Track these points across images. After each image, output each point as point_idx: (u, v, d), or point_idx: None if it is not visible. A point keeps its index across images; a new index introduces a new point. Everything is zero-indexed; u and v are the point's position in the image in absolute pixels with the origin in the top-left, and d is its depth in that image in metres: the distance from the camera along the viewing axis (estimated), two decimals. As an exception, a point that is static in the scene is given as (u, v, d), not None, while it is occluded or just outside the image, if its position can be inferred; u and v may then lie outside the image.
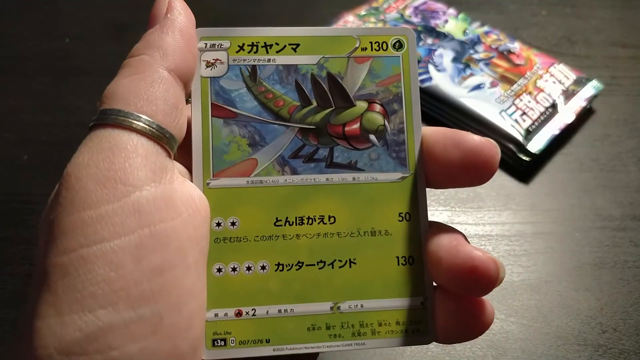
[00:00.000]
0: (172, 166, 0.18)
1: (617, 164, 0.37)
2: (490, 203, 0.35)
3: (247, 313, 0.19)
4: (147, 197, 0.16)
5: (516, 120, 0.37)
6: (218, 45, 0.20)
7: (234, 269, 0.19)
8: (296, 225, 0.19)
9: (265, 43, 0.20)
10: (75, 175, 0.16)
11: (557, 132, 0.37)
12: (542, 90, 0.38)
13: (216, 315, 0.18)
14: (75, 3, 0.48)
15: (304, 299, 0.19)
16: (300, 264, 0.19)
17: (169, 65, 0.18)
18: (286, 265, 0.19)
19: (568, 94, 0.38)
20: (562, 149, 0.38)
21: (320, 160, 0.20)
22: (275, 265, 0.19)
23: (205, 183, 0.19)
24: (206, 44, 0.20)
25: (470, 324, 0.19)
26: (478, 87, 0.38)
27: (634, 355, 0.29)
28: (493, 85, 0.38)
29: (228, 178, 0.19)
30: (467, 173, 0.19)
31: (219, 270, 0.19)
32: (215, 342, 0.18)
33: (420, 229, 0.20)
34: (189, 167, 0.19)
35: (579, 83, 0.39)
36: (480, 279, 0.18)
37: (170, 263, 0.16)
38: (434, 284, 0.20)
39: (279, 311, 0.19)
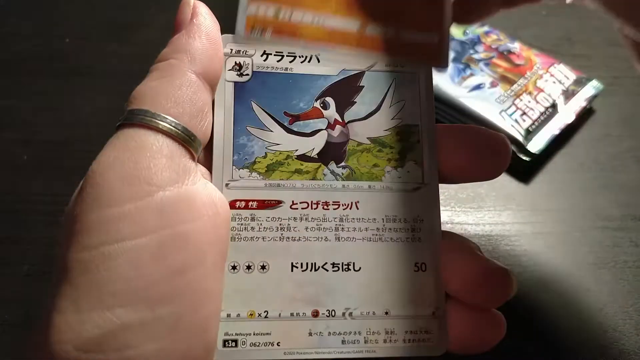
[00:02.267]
0: (195, 168, 0.18)
1: (617, 164, 0.37)
2: (490, 203, 0.35)
3: (259, 315, 0.19)
4: (169, 198, 0.16)
5: (516, 120, 0.37)
6: (243, 52, 0.20)
7: (248, 267, 0.19)
8: (312, 228, 0.19)
9: (289, 53, 0.20)
10: (100, 172, 0.16)
11: (557, 132, 0.37)
12: (542, 90, 0.38)
13: (229, 315, 0.18)
14: (76, 3, 0.48)
15: (317, 303, 0.19)
16: (315, 266, 0.19)
17: (197, 69, 0.18)
18: (300, 266, 0.19)
19: (568, 94, 0.38)
20: (562, 149, 0.38)
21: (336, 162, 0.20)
22: (290, 265, 0.19)
23: (224, 184, 0.19)
24: (232, 49, 0.20)
25: (485, 334, 0.18)
26: (478, 87, 0.38)
27: (634, 355, 0.29)
28: (493, 85, 0.38)
29: (247, 179, 0.19)
30: (479, 166, 0.19)
31: (234, 267, 0.19)
32: (227, 342, 0.18)
33: (434, 239, 0.20)
34: (210, 168, 0.19)
35: (579, 83, 0.39)
36: (496, 290, 0.18)
37: (190, 264, 0.16)
38: (447, 294, 0.19)
39: (291, 314, 0.19)
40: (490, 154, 0.19)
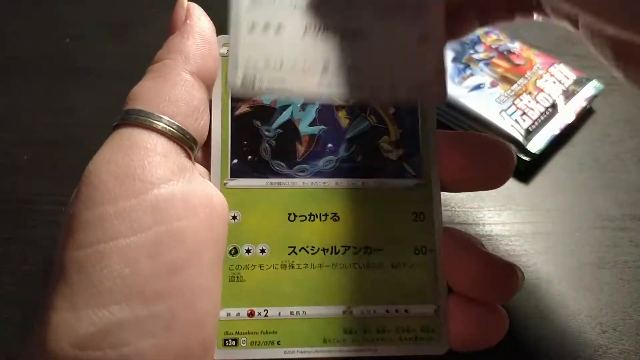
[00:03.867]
0: (191, 167, 0.18)
1: (617, 164, 0.37)
2: (490, 203, 0.35)
3: (259, 314, 0.19)
4: (164, 195, 0.16)
5: (516, 120, 0.36)
6: None
7: (247, 263, 0.19)
8: (309, 225, 0.19)
9: None
10: (94, 172, 0.16)
11: (557, 132, 0.37)
12: (542, 90, 0.38)
13: (228, 314, 0.18)
14: (75, 3, 0.48)
15: (317, 302, 0.19)
16: (313, 265, 0.19)
17: (191, 68, 0.18)
18: (300, 263, 0.19)
19: (568, 94, 0.38)
20: (562, 149, 0.38)
21: (333, 162, 0.20)
22: (288, 261, 0.19)
23: (222, 183, 0.19)
24: (228, 49, 0.20)
25: (488, 331, 0.18)
26: (478, 87, 0.38)
27: (634, 355, 0.29)
28: (493, 85, 0.38)
29: (246, 179, 0.19)
30: (483, 174, 0.19)
31: (233, 265, 0.19)
32: (227, 341, 0.18)
33: (435, 235, 0.20)
34: (209, 167, 0.20)
35: (579, 83, 0.39)
36: (502, 285, 0.17)
37: (185, 261, 0.16)
38: (449, 290, 0.19)
39: (291, 313, 0.19)
40: (494, 164, 0.19)
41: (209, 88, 0.19)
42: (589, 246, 0.33)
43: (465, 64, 0.40)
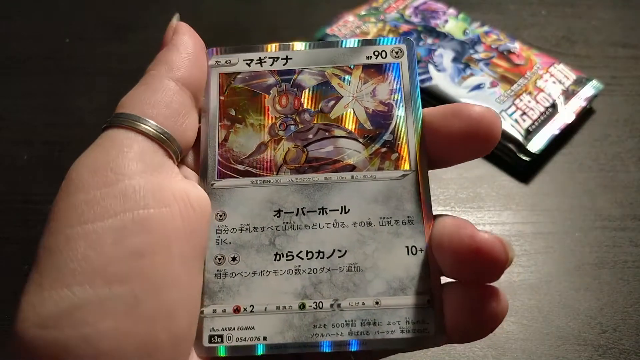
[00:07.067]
0: (170, 165, 0.19)
1: (617, 164, 0.37)
2: (490, 203, 0.35)
3: (245, 310, 0.19)
4: (134, 185, 0.17)
5: (516, 120, 0.37)
6: (227, 62, 0.22)
7: (234, 259, 0.19)
8: (296, 218, 0.20)
9: (270, 57, 0.22)
10: (75, 168, 0.17)
11: (557, 132, 0.37)
12: (542, 90, 0.38)
13: (214, 311, 0.19)
14: (75, 3, 0.48)
15: (304, 296, 0.19)
16: (300, 257, 0.19)
17: (174, 75, 0.19)
18: (285, 257, 0.19)
19: (568, 94, 0.38)
20: (562, 149, 0.38)
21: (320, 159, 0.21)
22: (274, 255, 0.19)
23: (210, 183, 0.20)
24: (217, 61, 0.22)
25: (482, 316, 0.17)
26: (478, 87, 0.38)
27: (634, 355, 0.29)
28: (493, 85, 0.38)
29: (232, 179, 0.20)
30: (469, 143, 0.19)
31: (219, 262, 0.19)
32: (212, 338, 0.18)
33: (424, 224, 0.19)
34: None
35: (579, 83, 0.39)
36: (485, 261, 0.17)
37: (151, 248, 0.16)
38: (443, 279, 0.19)
39: (278, 308, 0.19)
40: (480, 129, 0.18)
41: (196, 95, 0.20)
42: (589, 246, 0.33)
43: (465, 64, 0.40)
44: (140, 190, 0.17)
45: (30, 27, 0.45)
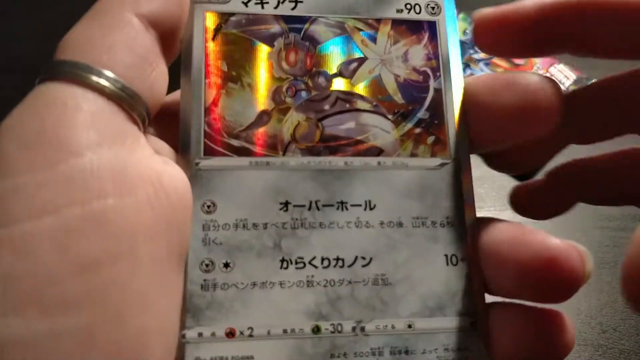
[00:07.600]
0: (136, 134, 0.13)
1: (617, 164, 0.37)
2: (490, 203, 0.35)
3: (241, 333, 0.14)
4: (84, 166, 0.12)
5: (516, 120, 0.37)
6: None
7: (226, 265, 0.14)
8: (308, 214, 0.15)
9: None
10: None
11: (557, 132, 0.37)
12: (542, 90, 0.38)
13: (200, 335, 0.14)
14: (76, 3, 0.48)
15: (318, 316, 0.14)
16: (313, 265, 0.15)
17: (139, 9, 0.14)
18: (294, 264, 0.15)
19: (568, 94, 0.38)
20: (562, 149, 0.38)
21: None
22: (280, 262, 0.15)
23: (193, 163, 0.15)
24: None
25: (548, 347, 0.14)
26: (478, 87, 0.38)
27: (634, 355, 0.29)
28: (493, 85, 0.38)
29: (224, 158, 0.15)
30: (524, 120, 0.15)
31: (206, 269, 0.14)
32: None
33: (467, 229, 0.16)
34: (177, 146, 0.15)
35: (579, 83, 0.39)
36: (561, 275, 0.14)
37: (110, 255, 0.12)
38: (493, 297, 0.15)
39: (285, 332, 0.14)
40: (538, 103, 0.15)
41: (168, 39, 0.15)
42: (589, 246, 0.33)
43: (465, 64, 0.40)
44: (93, 172, 0.12)
45: (31, 27, 0.45)
